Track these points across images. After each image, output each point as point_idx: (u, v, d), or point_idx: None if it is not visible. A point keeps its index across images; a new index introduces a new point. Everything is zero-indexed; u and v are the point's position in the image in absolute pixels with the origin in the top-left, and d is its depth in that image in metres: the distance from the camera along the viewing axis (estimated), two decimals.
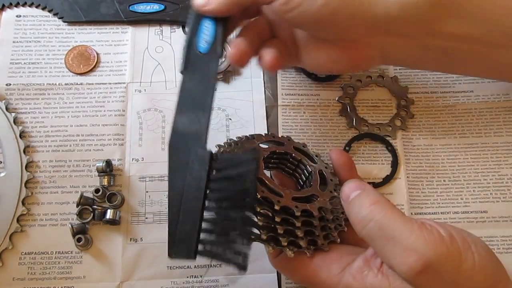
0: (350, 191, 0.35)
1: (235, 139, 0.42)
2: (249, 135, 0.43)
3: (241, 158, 0.34)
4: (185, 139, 0.34)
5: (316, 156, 0.43)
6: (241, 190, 0.32)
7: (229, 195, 0.32)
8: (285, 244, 0.35)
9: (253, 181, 0.33)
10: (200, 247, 0.32)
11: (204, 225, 0.33)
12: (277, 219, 0.34)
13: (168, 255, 0.33)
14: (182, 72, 0.36)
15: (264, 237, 0.35)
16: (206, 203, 0.33)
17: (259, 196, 0.34)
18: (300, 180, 0.43)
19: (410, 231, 0.30)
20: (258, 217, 0.35)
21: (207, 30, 0.37)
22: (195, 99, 0.36)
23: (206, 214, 0.33)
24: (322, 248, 0.36)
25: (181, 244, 0.32)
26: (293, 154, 0.42)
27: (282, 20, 0.38)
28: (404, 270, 0.30)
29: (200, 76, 0.36)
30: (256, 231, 0.36)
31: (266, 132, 0.49)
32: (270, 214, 0.35)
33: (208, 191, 0.33)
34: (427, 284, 0.29)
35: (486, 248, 0.31)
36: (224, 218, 0.32)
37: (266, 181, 0.36)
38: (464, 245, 0.30)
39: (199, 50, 0.37)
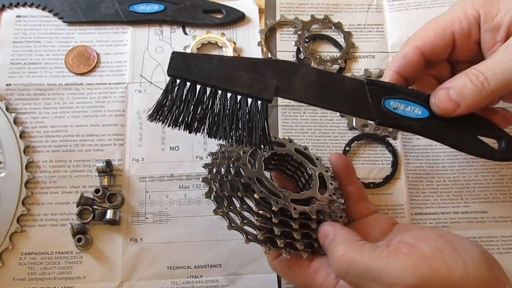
0: (323, 237, 0.35)
1: None
2: None
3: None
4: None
5: (317, 159, 0.43)
6: None
7: None
8: (282, 245, 0.35)
9: None
10: None
11: None
12: (275, 220, 0.34)
13: None
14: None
15: (260, 237, 0.35)
16: None
17: (257, 197, 0.35)
18: (299, 183, 0.43)
19: (388, 266, 0.30)
20: (256, 218, 0.35)
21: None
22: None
23: None
24: (319, 252, 0.36)
25: None
26: (294, 156, 0.42)
27: None
28: None
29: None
30: (253, 231, 0.36)
31: None
32: (268, 215, 0.35)
33: None
34: None
35: (480, 252, 0.31)
36: None
37: (266, 182, 0.36)
38: (451, 256, 0.30)
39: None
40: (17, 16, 0.54)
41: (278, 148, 0.42)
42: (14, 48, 0.53)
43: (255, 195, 0.35)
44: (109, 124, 0.50)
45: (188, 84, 0.35)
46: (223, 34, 0.54)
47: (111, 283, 0.44)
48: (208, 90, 0.35)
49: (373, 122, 0.37)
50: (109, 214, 0.45)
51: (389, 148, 0.49)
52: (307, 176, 0.42)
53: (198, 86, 0.36)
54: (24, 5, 0.55)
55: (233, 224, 0.35)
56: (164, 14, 0.54)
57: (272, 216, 0.34)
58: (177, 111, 0.36)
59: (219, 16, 0.55)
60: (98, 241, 0.45)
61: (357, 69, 0.53)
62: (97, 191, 0.45)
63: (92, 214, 0.45)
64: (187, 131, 0.37)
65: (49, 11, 0.54)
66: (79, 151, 0.48)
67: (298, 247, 0.35)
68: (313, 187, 0.39)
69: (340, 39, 0.54)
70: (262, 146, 0.35)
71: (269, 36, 0.55)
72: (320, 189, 0.39)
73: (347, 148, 0.49)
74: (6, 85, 0.51)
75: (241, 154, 0.38)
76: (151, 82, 0.52)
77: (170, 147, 0.49)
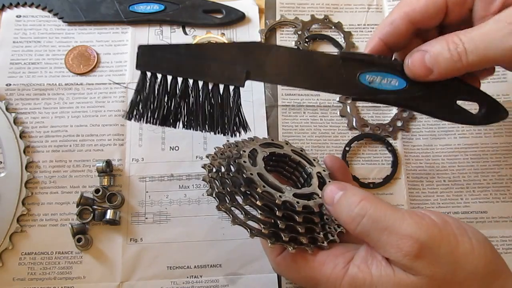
0: (332, 193, 0.35)
1: (234, 141, 0.43)
2: (248, 138, 0.43)
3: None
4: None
5: (314, 159, 0.43)
6: None
7: None
8: (287, 239, 0.35)
9: None
10: None
11: None
12: (279, 214, 0.34)
13: None
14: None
15: (265, 231, 0.35)
16: None
17: (260, 191, 0.34)
18: (298, 183, 0.43)
19: (402, 219, 0.31)
20: (260, 212, 0.34)
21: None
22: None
23: None
24: (323, 246, 0.36)
25: None
26: (292, 156, 0.42)
27: None
28: (401, 256, 0.30)
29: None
30: (256, 225, 0.35)
31: (266, 133, 0.49)
32: (271, 209, 0.35)
33: None
34: (426, 267, 0.30)
35: (485, 238, 0.31)
36: None
37: (267, 177, 0.36)
38: (459, 229, 0.31)
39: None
40: (17, 16, 0.54)
41: (275, 149, 0.42)
42: (14, 48, 0.53)
43: (258, 189, 0.35)
44: (109, 124, 0.50)
45: (159, 77, 0.36)
46: (223, 34, 0.54)
47: (111, 283, 0.44)
48: (180, 81, 0.36)
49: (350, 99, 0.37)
50: (109, 214, 0.45)
51: (389, 148, 0.49)
52: (305, 175, 0.42)
53: (169, 78, 0.36)
54: (24, 5, 0.55)
55: (236, 220, 0.35)
56: (164, 14, 0.54)
57: (276, 209, 0.34)
58: (151, 106, 0.37)
59: (219, 16, 0.55)
60: (98, 241, 0.45)
61: None
62: (97, 191, 0.45)
63: (92, 214, 0.45)
64: (165, 125, 0.37)
65: (49, 11, 0.54)
66: (79, 151, 0.48)
67: (302, 241, 0.35)
68: (313, 184, 0.39)
69: (340, 39, 0.54)
70: (238, 131, 0.35)
71: (269, 36, 0.55)
72: (320, 186, 0.39)
73: (347, 148, 0.49)
74: (6, 85, 0.51)
75: (241, 153, 0.38)
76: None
77: (170, 147, 0.49)
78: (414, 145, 0.50)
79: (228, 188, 0.36)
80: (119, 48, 0.53)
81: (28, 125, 0.49)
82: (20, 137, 0.48)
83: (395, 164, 0.49)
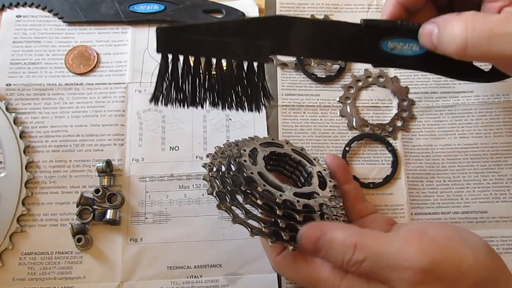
0: (316, 235, 0.33)
1: (234, 141, 0.43)
2: (248, 137, 0.43)
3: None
4: None
5: (314, 159, 0.43)
6: None
7: None
8: (287, 238, 0.34)
9: None
10: None
11: None
12: (279, 213, 0.34)
13: None
14: None
15: (265, 230, 0.34)
16: None
17: (261, 190, 0.34)
18: (299, 183, 0.43)
19: (402, 251, 0.30)
20: (260, 211, 0.34)
21: None
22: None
23: None
24: None
25: None
26: (292, 156, 0.42)
27: None
28: (406, 287, 0.30)
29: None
30: (257, 224, 0.35)
31: (266, 133, 0.49)
32: (272, 208, 0.34)
33: None
34: None
35: (485, 243, 0.31)
36: None
37: (268, 176, 0.36)
38: (460, 242, 0.30)
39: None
40: (17, 16, 0.54)
41: (276, 148, 0.42)
42: (14, 48, 0.53)
43: (259, 188, 0.34)
44: (109, 124, 0.50)
45: (181, 58, 0.35)
46: None
47: (111, 283, 0.44)
48: (203, 61, 0.35)
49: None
50: (109, 214, 0.45)
51: (389, 148, 0.49)
52: (306, 175, 0.42)
53: (192, 59, 0.35)
54: (24, 5, 0.54)
55: (237, 219, 0.35)
56: (164, 14, 0.54)
57: (276, 208, 0.34)
58: (176, 89, 0.36)
59: (219, 16, 0.55)
60: (98, 241, 0.45)
61: (357, 69, 0.53)
62: (97, 191, 0.45)
63: (92, 214, 0.45)
64: (191, 106, 0.37)
65: (49, 11, 0.54)
66: (79, 151, 0.48)
67: None
68: (313, 183, 0.39)
69: None
70: (263, 104, 0.35)
71: None
72: (320, 185, 0.39)
73: (347, 148, 0.49)
74: (6, 85, 0.51)
75: (242, 152, 0.38)
76: (151, 82, 0.52)
77: (170, 147, 0.49)
78: (414, 145, 0.50)
79: (228, 187, 0.36)
80: (119, 48, 0.53)
81: (28, 125, 0.49)
82: (20, 137, 0.48)
83: (395, 164, 0.49)
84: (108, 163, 0.47)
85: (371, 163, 0.49)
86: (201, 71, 0.36)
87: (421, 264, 0.29)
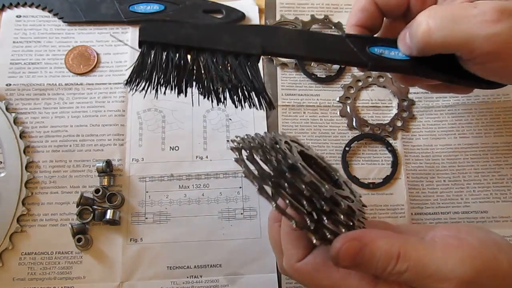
0: (354, 250, 0.30)
1: (258, 133, 0.39)
2: (264, 132, 0.41)
3: None
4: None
5: (335, 170, 0.40)
6: None
7: None
8: (332, 238, 0.30)
9: None
10: None
11: None
12: (326, 208, 0.30)
13: None
14: None
15: (312, 225, 0.30)
16: None
17: (307, 181, 0.30)
18: None
19: (443, 259, 0.29)
20: (307, 203, 0.30)
21: None
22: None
23: None
24: None
25: None
26: (318, 160, 0.40)
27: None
28: None
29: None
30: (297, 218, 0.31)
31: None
32: (318, 203, 0.31)
33: None
34: None
35: (509, 243, 0.31)
36: None
37: (309, 169, 0.32)
38: (495, 246, 0.30)
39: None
40: (17, 16, 0.54)
41: (303, 149, 0.39)
42: (14, 48, 0.53)
43: (306, 179, 0.30)
44: (109, 124, 0.50)
45: (165, 51, 0.34)
46: None
47: (111, 283, 0.44)
48: (189, 55, 0.34)
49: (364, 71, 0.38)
50: (109, 214, 0.45)
51: (389, 148, 0.49)
52: (331, 182, 0.39)
53: (176, 53, 0.34)
54: (24, 5, 0.54)
55: (279, 208, 0.31)
56: (164, 14, 0.54)
57: (323, 204, 0.30)
58: (156, 76, 0.34)
59: (219, 16, 0.55)
60: (98, 241, 0.45)
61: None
62: (97, 191, 0.45)
63: (92, 214, 0.45)
64: (173, 92, 0.35)
65: (49, 11, 0.54)
66: (79, 151, 0.48)
67: None
68: (345, 189, 0.36)
69: None
70: (264, 105, 0.34)
71: None
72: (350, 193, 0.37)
73: (347, 149, 0.49)
74: (6, 85, 0.51)
75: (278, 140, 0.35)
76: None
77: (170, 147, 0.49)
78: (414, 145, 0.50)
79: (269, 174, 0.32)
80: (119, 48, 0.53)
81: (28, 125, 0.49)
82: (20, 137, 0.48)
83: (395, 164, 0.49)
84: (108, 163, 0.47)
85: (371, 163, 0.49)
86: (186, 63, 0.34)
87: (464, 275, 0.28)
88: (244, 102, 0.35)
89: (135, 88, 0.35)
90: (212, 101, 0.35)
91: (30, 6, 0.55)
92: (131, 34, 0.54)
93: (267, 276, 0.45)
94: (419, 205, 0.48)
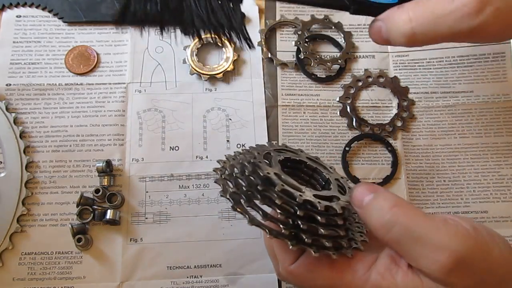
0: (362, 195, 0.32)
1: (244, 148, 0.40)
2: (256, 144, 0.42)
3: None
4: None
5: (330, 167, 0.41)
6: None
7: None
8: (309, 241, 0.32)
9: None
10: None
11: None
12: (300, 213, 0.31)
13: None
14: None
15: (286, 232, 0.32)
16: None
17: (279, 190, 0.32)
18: (316, 188, 0.40)
19: (436, 229, 0.29)
20: (279, 211, 0.32)
21: None
22: None
23: None
24: (347, 252, 0.33)
25: None
26: (308, 163, 0.40)
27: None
28: (435, 269, 0.29)
29: None
30: (274, 227, 0.33)
31: (266, 133, 0.49)
32: (291, 209, 0.32)
33: None
34: (461, 279, 0.29)
35: (509, 244, 0.31)
36: None
37: (285, 177, 0.34)
38: (489, 235, 0.30)
39: None
40: (17, 16, 0.54)
41: (291, 154, 0.40)
42: (14, 48, 0.53)
43: (277, 188, 0.32)
44: (109, 124, 0.50)
45: None
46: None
47: (111, 283, 0.44)
48: None
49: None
50: (109, 214, 0.45)
51: (389, 148, 0.49)
52: (323, 182, 0.40)
53: None
54: (24, 5, 0.54)
55: (254, 220, 0.32)
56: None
57: (297, 209, 0.32)
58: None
59: None
60: (98, 241, 0.45)
61: (357, 69, 0.53)
62: (97, 191, 0.45)
63: (92, 214, 0.45)
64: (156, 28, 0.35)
65: (49, 11, 0.54)
66: (79, 151, 0.48)
67: (326, 244, 0.32)
68: (332, 188, 0.37)
69: (340, 39, 0.54)
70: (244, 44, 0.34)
71: (269, 36, 0.55)
72: (339, 191, 0.37)
73: (347, 148, 0.49)
74: (6, 85, 0.51)
75: (256, 154, 0.36)
76: (151, 82, 0.52)
77: (170, 147, 0.49)
78: (414, 145, 0.50)
79: (243, 188, 0.33)
80: (119, 48, 0.53)
81: (28, 125, 0.49)
82: (20, 137, 0.48)
83: (395, 164, 0.49)
84: (108, 163, 0.47)
85: (371, 163, 0.49)
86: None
87: (455, 247, 0.28)
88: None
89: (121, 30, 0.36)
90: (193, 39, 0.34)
91: (30, 6, 0.54)
92: (131, 34, 0.54)
93: (267, 276, 0.45)
94: (419, 205, 0.48)
